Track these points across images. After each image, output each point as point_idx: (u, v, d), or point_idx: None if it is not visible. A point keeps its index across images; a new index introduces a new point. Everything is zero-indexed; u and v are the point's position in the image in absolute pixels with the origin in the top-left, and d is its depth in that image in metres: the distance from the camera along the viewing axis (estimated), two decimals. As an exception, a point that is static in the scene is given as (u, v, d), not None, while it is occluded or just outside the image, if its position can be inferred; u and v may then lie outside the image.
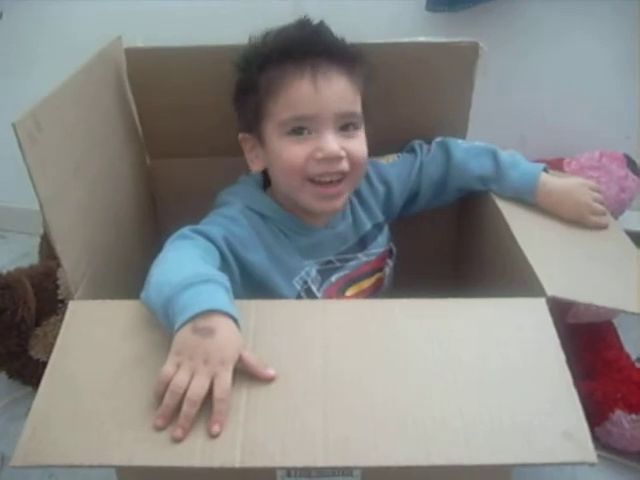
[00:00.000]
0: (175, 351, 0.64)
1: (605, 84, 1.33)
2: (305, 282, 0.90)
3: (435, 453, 0.60)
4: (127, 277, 0.91)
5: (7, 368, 1.20)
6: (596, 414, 1.03)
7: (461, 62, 0.99)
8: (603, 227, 0.93)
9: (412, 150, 1.03)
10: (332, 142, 0.82)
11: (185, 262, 0.72)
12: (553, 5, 1.26)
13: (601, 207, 0.94)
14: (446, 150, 1.00)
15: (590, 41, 1.30)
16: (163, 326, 0.68)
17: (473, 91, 1.02)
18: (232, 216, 0.87)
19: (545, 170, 0.96)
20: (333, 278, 0.94)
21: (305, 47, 0.83)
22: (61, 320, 1.13)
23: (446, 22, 1.23)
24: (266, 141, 0.87)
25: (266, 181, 0.94)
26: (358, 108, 0.86)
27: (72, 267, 0.75)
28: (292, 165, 0.83)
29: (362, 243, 0.97)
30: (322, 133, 0.82)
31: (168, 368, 0.62)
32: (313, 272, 0.92)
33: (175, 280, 0.68)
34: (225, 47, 0.94)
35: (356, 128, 0.86)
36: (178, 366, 0.62)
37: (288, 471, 0.73)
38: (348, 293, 0.96)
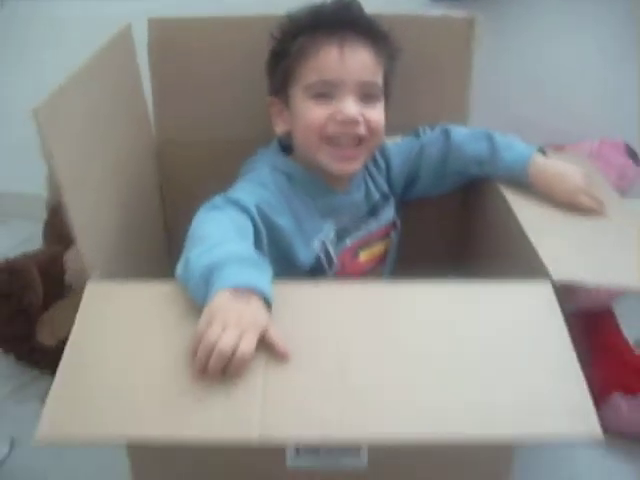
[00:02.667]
0: (209, 309, 0.66)
1: (607, 71, 1.36)
2: (323, 243, 0.95)
3: (441, 430, 0.62)
4: (136, 263, 0.93)
5: (15, 352, 1.21)
6: (595, 398, 1.05)
7: (458, 37, 1.04)
8: (596, 211, 0.93)
9: (416, 134, 1.07)
10: (352, 107, 0.88)
11: (228, 236, 0.75)
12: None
13: (591, 190, 0.94)
14: (446, 134, 1.04)
15: (593, 28, 1.34)
16: (193, 295, 0.71)
17: (472, 69, 1.06)
18: (262, 180, 0.92)
19: (542, 151, 0.99)
20: (348, 241, 0.99)
21: (336, 19, 0.90)
22: (68, 305, 1.16)
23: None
24: (292, 103, 0.93)
25: (285, 150, 0.99)
26: (379, 80, 0.92)
27: (88, 248, 0.76)
28: (312, 124, 0.89)
29: (373, 211, 1.03)
30: (344, 98, 0.89)
31: (202, 325, 0.65)
32: (331, 233, 0.97)
33: (222, 252, 0.70)
34: (252, 18, 1.01)
35: (376, 99, 0.92)
36: (211, 323, 0.64)
37: (297, 450, 0.75)
38: (361, 257, 1.01)
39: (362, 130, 0.90)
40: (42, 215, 1.44)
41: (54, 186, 1.33)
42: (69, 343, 0.70)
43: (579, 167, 0.98)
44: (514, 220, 0.90)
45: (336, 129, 0.89)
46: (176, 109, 1.08)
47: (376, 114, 0.91)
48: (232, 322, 0.64)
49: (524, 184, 0.97)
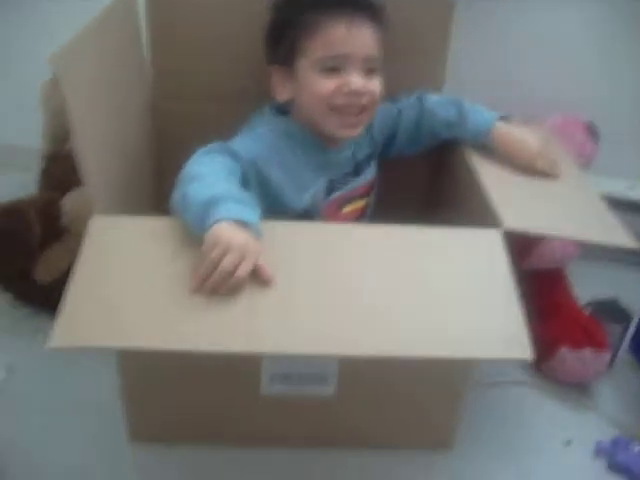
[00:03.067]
0: (213, 235, 0.76)
1: (573, 52, 1.44)
2: (314, 195, 1.06)
3: (398, 348, 0.73)
4: (131, 199, 1.04)
5: (13, 290, 1.28)
6: (544, 350, 1.16)
7: (438, 17, 1.13)
8: (552, 174, 1.05)
9: (394, 99, 1.17)
10: (358, 79, 0.98)
11: (221, 176, 0.85)
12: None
13: (548, 154, 1.06)
14: (421, 100, 1.16)
15: (568, 13, 1.41)
16: (191, 222, 0.80)
17: (449, 47, 1.16)
18: (259, 134, 1.01)
19: (505, 118, 1.10)
20: (334, 194, 1.10)
21: None
22: (64, 246, 1.24)
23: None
24: (299, 74, 1.01)
25: (281, 113, 1.07)
26: (379, 55, 1.01)
27: (94, 183, 0.85)
28: (321, 95, 0.98)
29: (357, 170, 1.13)
30: (350, 71, 0.98)
31: (206, 247, 0.75)
32: (322, 187, 1.07)
33: (218, 189, 0.80)
34: None
35: (376, 72, 1.02)
36: (215, 246, 0.75)
37: (272, 377, 0.86)
38: (344, 210, 1.12)
39: (365, 100, 1.00)
40: (34, 166, 1.49)
41: (50, 136, 1.42)
42: (76, 268, 0.78)
43: (539, 134, 1.09)
44: (476, 179, 1.01)
45: (343, 100, 0.98)
46: (170, 65, 1.16)
47: (376, 85, 1.01)
48: (234, 247, 0.74)
49: (488, 147, 1.08)
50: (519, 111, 1.34)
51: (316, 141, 1.05)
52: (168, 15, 1.11)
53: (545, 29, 1.42)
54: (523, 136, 1.07)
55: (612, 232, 0.93)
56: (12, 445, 1.00)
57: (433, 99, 1.15)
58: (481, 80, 1.39)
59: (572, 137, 1.32)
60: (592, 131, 1.36)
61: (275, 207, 0.99)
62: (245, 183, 0.92)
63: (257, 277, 0.77)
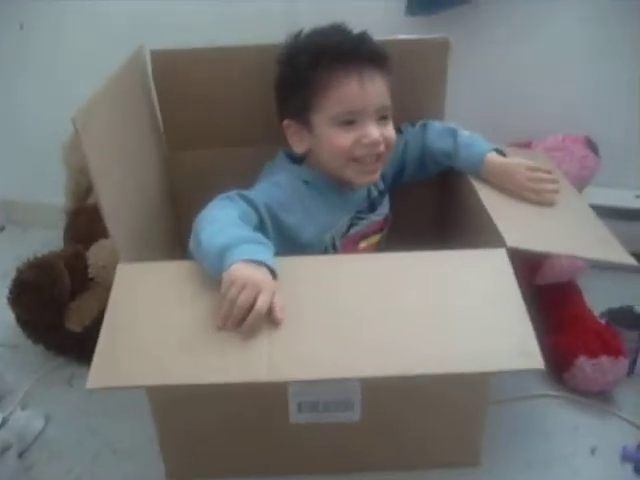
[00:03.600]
0: (229, 275, 0.81)
1: (571, 72, 1.48)
2: (333, 237, 1.10)
3: (417, 367, 0.77)
4: (151, 245, 1.09)
5: (45, 341, 1.33)
6: (563, 362, 1.18)
7: (435, 55, 1.18)
8: (544, 203, 1.08)
9: (399, 131, 1.20)
10: (375, 131, 1.02)
11: (234, 221, 0.90)
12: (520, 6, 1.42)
13: (535, 186, 1.09)
14: (424, 131, 1.21)
15: (558, 34, 1.45)
16: (208, 268, 0.85)
17: (447, 80, 1.21)
18: (277, 182, 1.05)
19: (498, 151, 1.14)
20: (351, 232, 1.14)
21: (354, 52, 1.01)
22: (92, 295, 1.29)
23: (424, 25, 1.35)
24: (315, 128, 1.05)
25: (295, 161, 1.12)
26: (390, 101, 1.06)
27: (116, 232, 0.90)
28: (341, 148, 1.03)
29: (372, 206, 1.18)
30: (366, 123, 1.02)
31: (224, 287, 0.80)
32: (343, 227, 1.12)
33: (231, 235, 0.85)
34: (240, 48, 1.14)
35: (389, 118, 1.06)
36: (232, 285, 0.80)
37: (299, 405, 0.89)
38: (361, 245, 1.16)
39: (382, 148, 1.04)
40: (57, 222, 1.55)
41: (72, 193, 1.48)
42: (107, 313, 0.83)
43: (529, 162, 1.12)
44: (480, 203, 1.05)
45: (362, 151, 1.03)
46: (179, 119, 1.22)
47: (390, 131, 1.06)
48: (249, 283, 0.79)
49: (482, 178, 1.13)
50: (521, 132, 1.40)
51: (333, 185, 1.09)
52: (172, 82, 1.18)
53: (542, 50, 1.47)
54: (511, 170, 1.10)
55: (609, 248, 0.98)
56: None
57: (434, 128, 1.20)
58: (481, 105, 1.45)
59: (574, 152, 1.36)
60: (592, 145, 1.39)
61: (294, 248, 1.03)
62: (262, 228, 0.97)
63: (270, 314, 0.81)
